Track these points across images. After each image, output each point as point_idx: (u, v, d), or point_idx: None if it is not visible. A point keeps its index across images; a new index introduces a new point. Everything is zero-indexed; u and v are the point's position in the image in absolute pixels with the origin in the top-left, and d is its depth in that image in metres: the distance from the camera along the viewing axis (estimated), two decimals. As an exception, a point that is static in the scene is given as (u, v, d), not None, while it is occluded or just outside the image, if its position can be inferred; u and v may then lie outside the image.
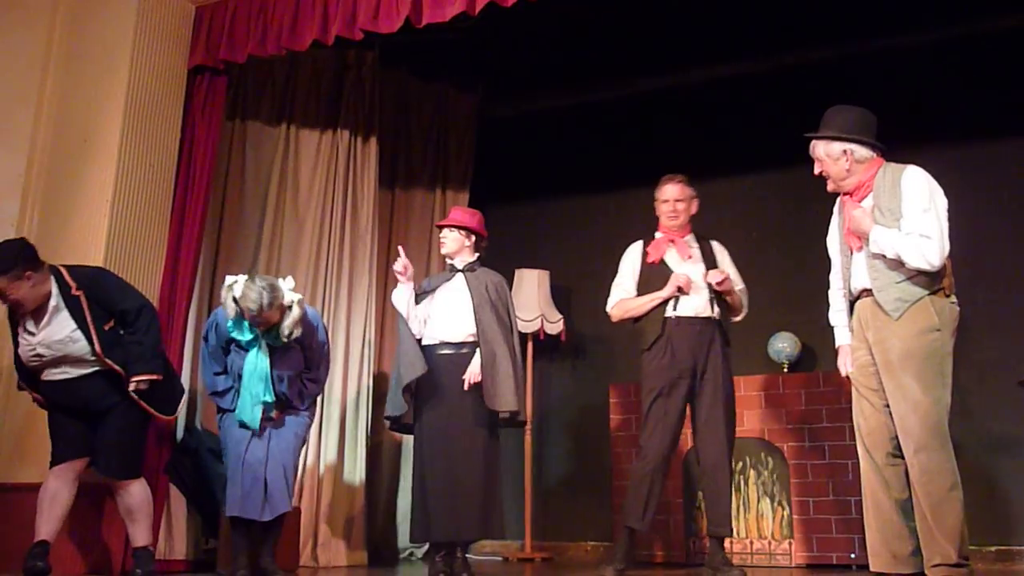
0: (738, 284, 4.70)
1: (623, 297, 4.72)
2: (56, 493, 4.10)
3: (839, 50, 6.04)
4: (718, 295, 4.61)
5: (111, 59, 5.07)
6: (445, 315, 4.57)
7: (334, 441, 5.57)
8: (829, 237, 3.94)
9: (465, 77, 6.85)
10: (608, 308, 4.79)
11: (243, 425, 4.41)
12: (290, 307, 4.34)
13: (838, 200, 3.86)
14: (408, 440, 5.42)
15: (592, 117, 6.77)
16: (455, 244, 4.67)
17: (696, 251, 4.71)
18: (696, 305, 4.60)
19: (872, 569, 3.59)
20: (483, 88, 6.95)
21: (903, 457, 3.51)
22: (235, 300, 4.28)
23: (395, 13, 4.72)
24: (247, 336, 4.41)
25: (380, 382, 5.95)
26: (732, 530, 4.53)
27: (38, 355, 4.14)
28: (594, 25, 6.15)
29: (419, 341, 4.54)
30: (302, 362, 4.54)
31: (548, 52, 6.45)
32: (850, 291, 3.74)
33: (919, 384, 3.43)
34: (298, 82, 5.98)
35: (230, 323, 4.40)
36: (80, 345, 4.12)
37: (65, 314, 4.12)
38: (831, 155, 3.69)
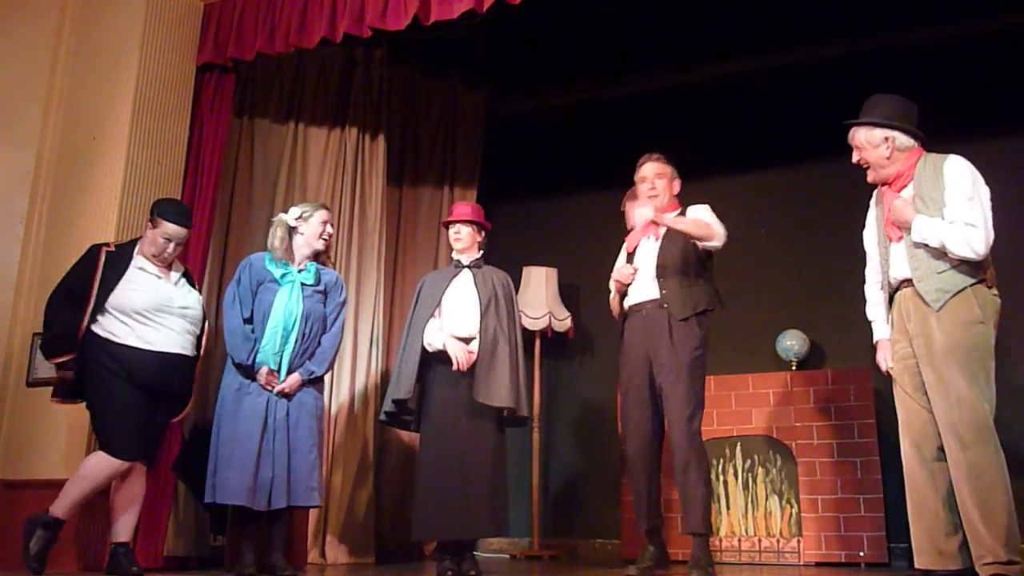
0: (699, 216, 4.36)
1: (612, 297, 4.60)
2: (103, 484, 4.09)
3: (847, 47, 6.04)
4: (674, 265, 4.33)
5: (120, 57, 5.09)
6: (453, 311, 4.57)
7: (341, 437, 5.58)
8: (866, 230, 3.89)
9: (473, 74, 6.85)
10: None
11: (249, 375, 4.33)
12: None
13: (875, 192, 3.81)
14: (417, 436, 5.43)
15: (600, 114, 6.77)
16: (469, 239, 4.70)
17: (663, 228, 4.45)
18: (641, 289, 4.39)
19: (917, 566, 3.55)
20: (491, 85, 6.95)
21: None
22: (291, 227, 4.52)
23: (403, 10, 4.73)
24: (283, 270, 4.46)
25: (388, 378, 5.95)
26: (705, 528, 4.16)
27: (169, 304, 4.23)
28: (602, 22, 6.15)
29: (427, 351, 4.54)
30: (325, 315, 4.54)
31: (556, 49, 6.44)
32: (889, 282, 3.68)
33: (964, 378, 3.38)
34: (306, 80, 5.99)
35: (266, 257, 4.50)
36: (195, 313, 4.35)
37: (185, 282, 4.41)
38: (871, 142, 3.65)
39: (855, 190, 5.79)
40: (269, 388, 4.33)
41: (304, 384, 4.42)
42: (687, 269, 4.35)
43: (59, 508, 4.02)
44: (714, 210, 4.63)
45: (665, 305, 4.29)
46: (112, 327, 4.11)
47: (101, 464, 4.04)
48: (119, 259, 4.23)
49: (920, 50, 5.86)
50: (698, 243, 4.33)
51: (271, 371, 4.34)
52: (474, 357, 4.43)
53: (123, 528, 4.17)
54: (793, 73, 6.20)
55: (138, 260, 4.27)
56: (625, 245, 4.61)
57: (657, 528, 4.37)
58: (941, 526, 3.47)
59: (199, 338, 4.39)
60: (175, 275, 4.36)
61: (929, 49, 5.84)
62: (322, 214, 4.60)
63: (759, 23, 6.06)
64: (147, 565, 4.39)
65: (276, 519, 4.37)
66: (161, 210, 4.29)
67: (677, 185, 4.56)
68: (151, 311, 4.16)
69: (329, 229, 4.61)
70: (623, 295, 4.49)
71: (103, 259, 4.20)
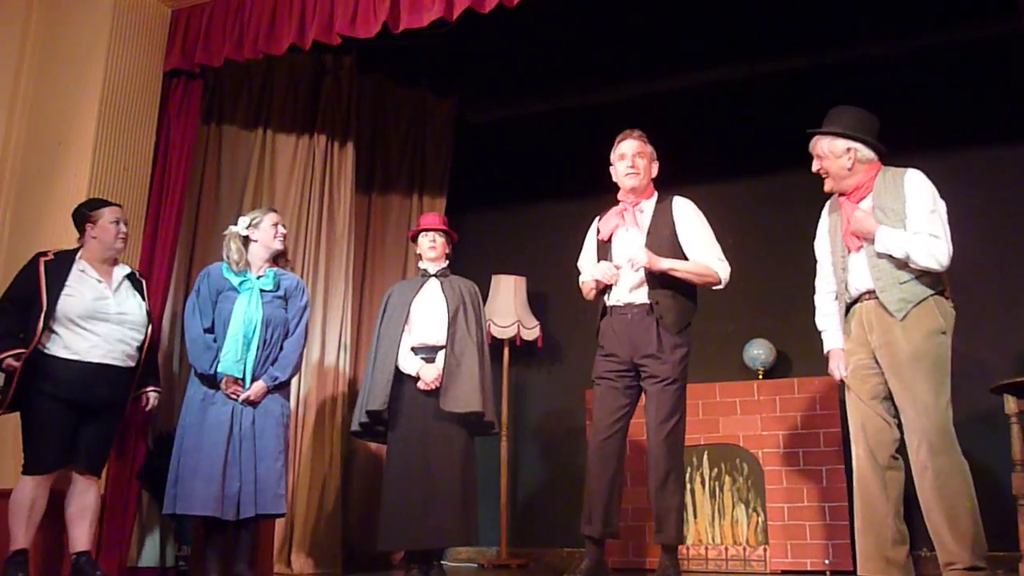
0: (700, 248, 4.14)
1: (583, 280, 4.34)
2: (35, 501, 4.03)
3: (818, 57, 6.10)
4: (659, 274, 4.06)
5: (86, 62, 5.04)
6: (421, 320, 4.59)
7: (308, 445, 5.54)
8: (817, 240, 3.91)
9: (443, 83, 6.86)
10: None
11: (212, 385, 4.30)
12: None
13: (828, 202, 3.83)
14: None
15: (569, 123, 6.78)
16: (442, 249, 4.76)
17: (646, 217, 4.20)
18: (626, 291, 4.11)
19: (860, 573, 3.58)
20: (461, 94, 6.95)
21: (902, 460, 3.52)
22: (244, 236, 4.52)
23: (372, 18, 4.72)
24: (241, 278, 4.45)
25: (355, 386, 5.93)
26: (678, 540, 4.01)
27: (103, 310, 4.15)
28: (572, 31, 6.18)
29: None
30: (286, 320, 4.51)
31: (526, 58, 6.46)
32: (848, 293, 3.70)
33: (930, 387, 3.42)
34: (275, 86, 5.97)
35: (224, 266, 4.50)
36: (137, 319, 4.27)
37: (130, 286, 4.34)
38: (834, 152, 3.68)
39: (822, 200, 5.83)
40: (234, 397, 4.30)
41: (269, 391, 4.39)
42: (671, 280, 4.09)
43: (14, 542, 4.01)
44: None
45: (658, 317, 4.04)
46: (42, 338, 4.06)
47: (20, 488, 4.04)
48: (59, 266, 4.18)
49: (886, 63, 5.92)
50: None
51: (235, 380, 4.31)
52: (434, 379, 4.48)
53: (80, 539, 4.13)
54: (760, 84, 6.24)
55: (80, 264, 4.24)
56: (595, 233, 4.35)
57: (610, 535, 4.07)
58: (890, 534, 3.51)
59: (138, 346, 4.30)
60: (117, 278, 4.30)
61: (896, 62, 5.90)
62: (271, 217, 4.61)
63: (726, 34, 6.12)
64: (110, 575, 4.33)
65: (242, 528, 4.34)
66: (89, 207, 4.35)
67: (656, 168, 4.30)
68: (83, 318, 4.11)
69: (282, 229, 4.62)
70: (602, 291, 4.22)
71: (42, 268, 4.14)
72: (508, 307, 6.24)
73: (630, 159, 4.22)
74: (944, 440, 3.39)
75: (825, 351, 3.87)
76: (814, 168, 3.76)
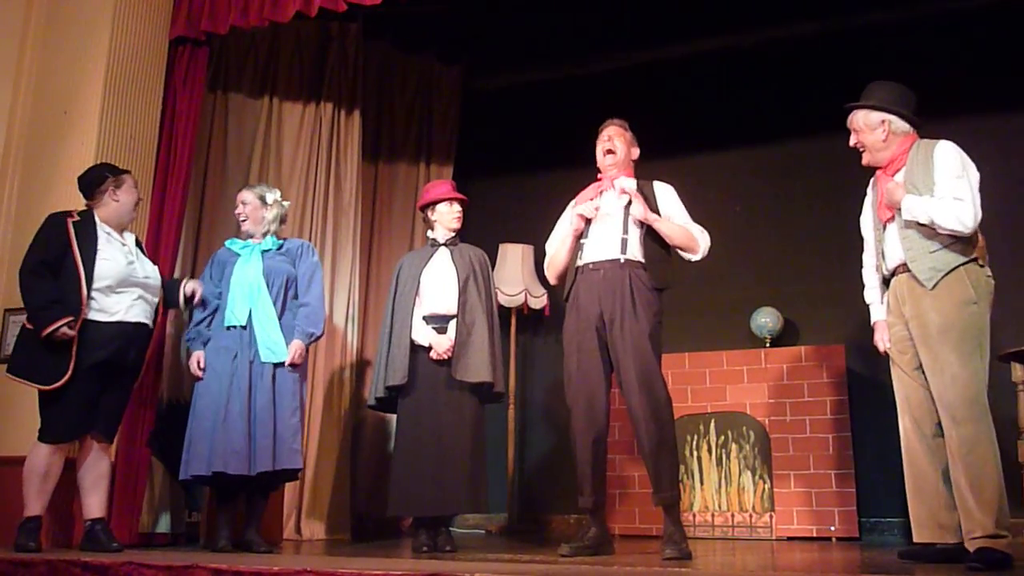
0: (682, 221, 4.21)
1: (552, 249, 4.38)
2: (51, 468, 4.05)
3: (825, 25, 6.04)
4: (649, 234, 4.11)
5: (91, 30, 5.02)
6: (432, 289, 4.59)
7: (318, 414, 5.56)
8: (862, 216, 3.98)
9: (449, 50, 6.82)
10: (545, 271, 4.46)
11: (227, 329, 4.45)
12: (271, 203, 4.72)
13: (872, 179, 3.89)
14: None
15: (576, 91, 6.74)
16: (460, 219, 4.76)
17: (629, 187, 4.20)
18: (601, 247, 4.12)
19: (916, 540, 3.64)
20: (467, 61, 6.91)
21: None
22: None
23: (378, -16, 4.68)
24: (243, 245, 4.61)
25: (363, 354, 5.95)
26: (673, 496, 3.93)
27: (134, 274, 4.20)
28: (579, -2, 6.13)
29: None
30: (290, 274, 4.58)
31: (533, 25, 6.41)
32: (886, 268, 3.76)
33: (957, 357, 3.44)
34: (281, 54, 5.94)
35: (228, 242, 4.70)
36: (155, 283, 4.34)
37: (140, 253, 4.40)
38: (869, 124, 3.75)
39: (831, 169, 5.82)
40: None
41: (307, 347, 4.55)
42: (657, 239, 4.14)
43: (29, 508, 4.03)
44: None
45: (630, 273, 4.03)
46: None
47: (35, 454, 4.04)
48: (85, 228, 4.18)
49: (901, 28, 5.86)
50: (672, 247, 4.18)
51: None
52: (446, 349, 4.50)
53: (94, 505, 4.15)
54: (768, 51, 6.20)
55: (104, 227, 4.25)
56: (578, 206, 4.28)
57: (600, 505, 4.11)
58: (942, 501, 3.56)
59: (155, 308, 4.36)
60: (130, 242, 4.35)
61: (912, 26, 5.84)
62: (240, 194, 4.74)
63: (734, 1, 6.05)
64: (121, 542, 4.37)
65: (254, 494, 4.38)
66: (113, 171, 4.36)
67: (635, 152, 4.32)
68: (119, 283, 4.14)
69: (241, 206, 4.67)
70: (574, 252, 4.23)
71: (72, 230, 4.14)
72: (515, 276, 6.24)
73: (608, 140, 4.30)
74: (970, 410, 3.40)
75: (872, 323, 3.94)
76: (851, 142, 3.82)
